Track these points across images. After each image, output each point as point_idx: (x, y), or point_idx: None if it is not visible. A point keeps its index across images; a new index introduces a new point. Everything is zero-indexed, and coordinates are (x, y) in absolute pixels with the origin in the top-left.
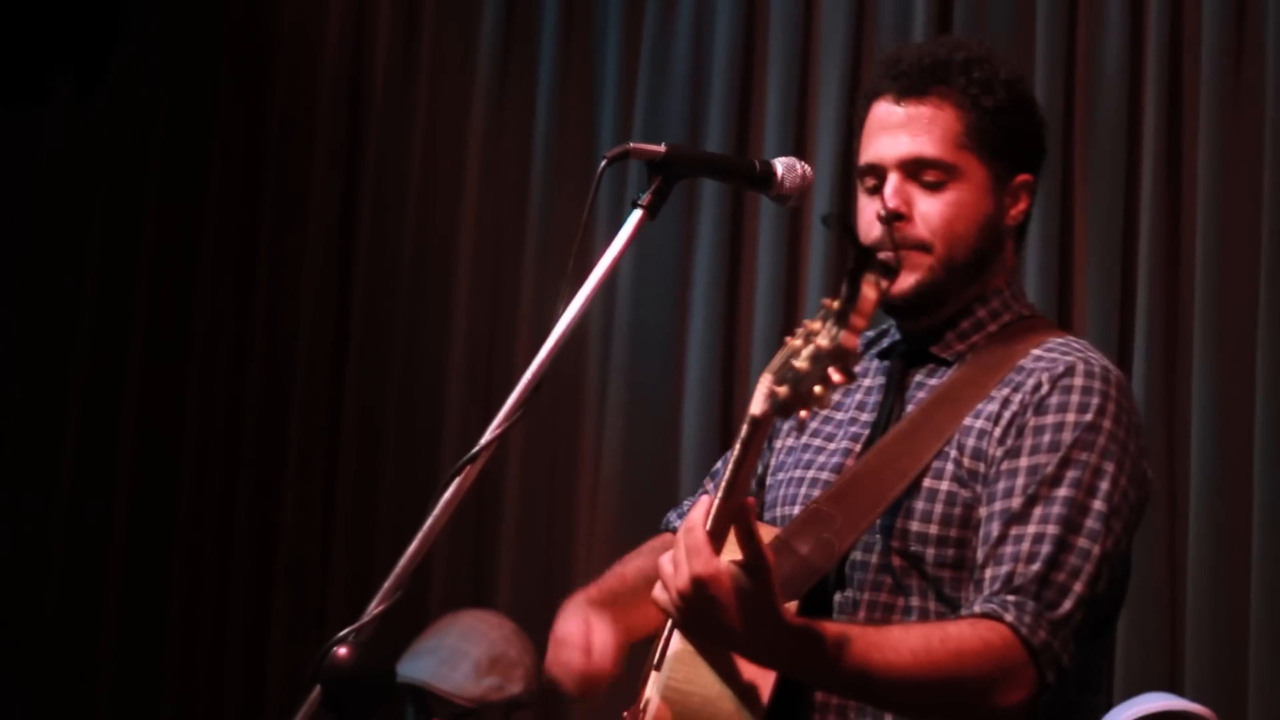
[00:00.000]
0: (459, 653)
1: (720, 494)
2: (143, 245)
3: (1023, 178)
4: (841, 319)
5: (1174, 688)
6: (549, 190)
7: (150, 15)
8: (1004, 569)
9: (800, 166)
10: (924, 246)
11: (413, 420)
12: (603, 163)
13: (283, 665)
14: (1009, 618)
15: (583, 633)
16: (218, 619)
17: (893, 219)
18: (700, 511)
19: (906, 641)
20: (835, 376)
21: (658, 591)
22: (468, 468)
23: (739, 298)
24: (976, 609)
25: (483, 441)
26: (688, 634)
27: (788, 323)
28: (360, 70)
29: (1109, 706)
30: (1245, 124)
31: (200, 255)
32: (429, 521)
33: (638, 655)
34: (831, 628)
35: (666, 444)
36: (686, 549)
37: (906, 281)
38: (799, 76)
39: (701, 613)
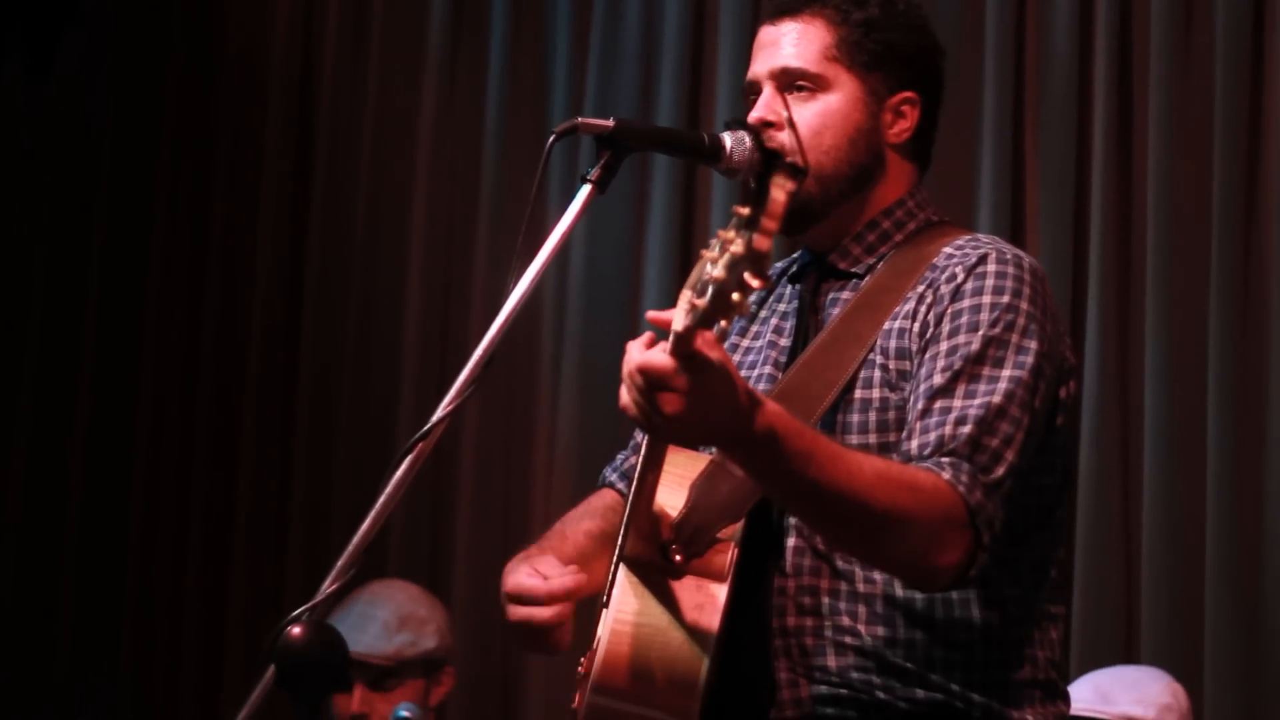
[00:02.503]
0: (366, 616)
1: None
2: (93, 231)
3: (905, 94)
4: (752, 223)
5: (1130, 654)
6: (501, 166)
7: (100, 7)
8: (933, 435)
9: (749, 139)
10: (790, 154)
11: (368, 397)
12: (551, 138)
13: (240, 644)
14: (946, 475)
15: (534, 574)
16: (174, 599)
17: (763, 126)
18: (643, 341)
19: (871, 462)
20: (753, 281)
21: (631, 409)
22: (420, 444)
23: (691, 271)
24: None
25: (435, 418)
26: (685, 445)
27: None
28: (311, 48)
29: (1068, 605)
30: (1195, 88)
31: (153, 237)
32: (382, 499)
33: (590, 608)
34: (801, 424)
35: (621, 417)
36: (658, 373)
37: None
38: (749, 50)
39: (693, 422)
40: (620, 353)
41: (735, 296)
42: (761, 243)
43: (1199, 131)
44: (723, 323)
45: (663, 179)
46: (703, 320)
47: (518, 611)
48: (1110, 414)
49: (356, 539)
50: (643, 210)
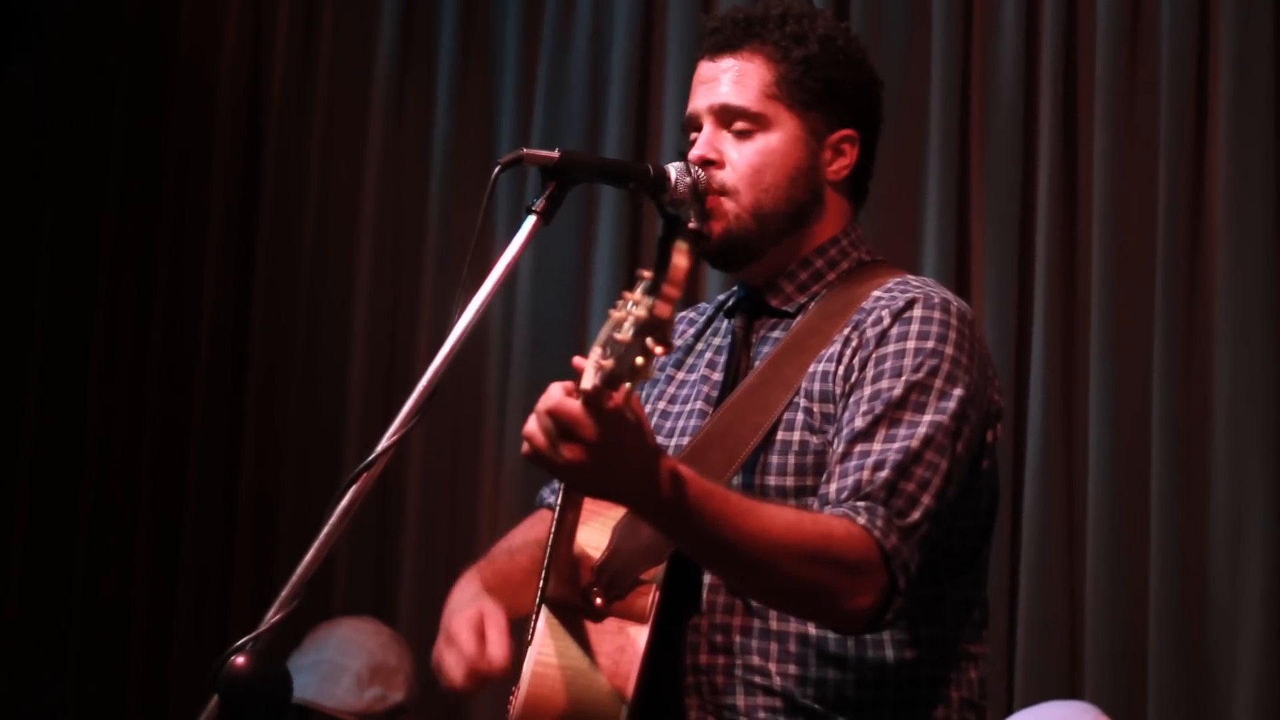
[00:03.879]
0: (339, 667)
1: None
2: (40, 247)
3: (844, 132)
4: (654, 289)
5: (1074, 689)
6: (448, 195)
7: (47, 20)
8: (850, 479)
9: (694, 170)
10: (730, 192)
11: (314, 425)
12: (496, 169)
13: (184, 674)
14: (861, 520)
15: (474, 636)
16: (119, 627)
17: (703, 165)
18: (560, 387)
19: (783, 514)
20: (655, 349)
21: (531, 454)
22: (365, 474)
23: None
24: (828, 513)
25: (379, 448)
26: (583, 494)
27: None
28: (258, 74)
29: (986, 644)
30: (1140, 123)
31: (99, 260)
32: (326, 529)
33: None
34: (715, 485)
35: None
36: (567, 418)
37: (714, 229)
38: None
39: (594, 475)
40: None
41: (639, 361)
42: (663, 310)
43: (1144, 163)
44: (626, 385)
45: (609, 210)
46: (609, 382)
47: (446, 657)
48: (1055, 445)
49: (300, 569)
50: (589, 241)
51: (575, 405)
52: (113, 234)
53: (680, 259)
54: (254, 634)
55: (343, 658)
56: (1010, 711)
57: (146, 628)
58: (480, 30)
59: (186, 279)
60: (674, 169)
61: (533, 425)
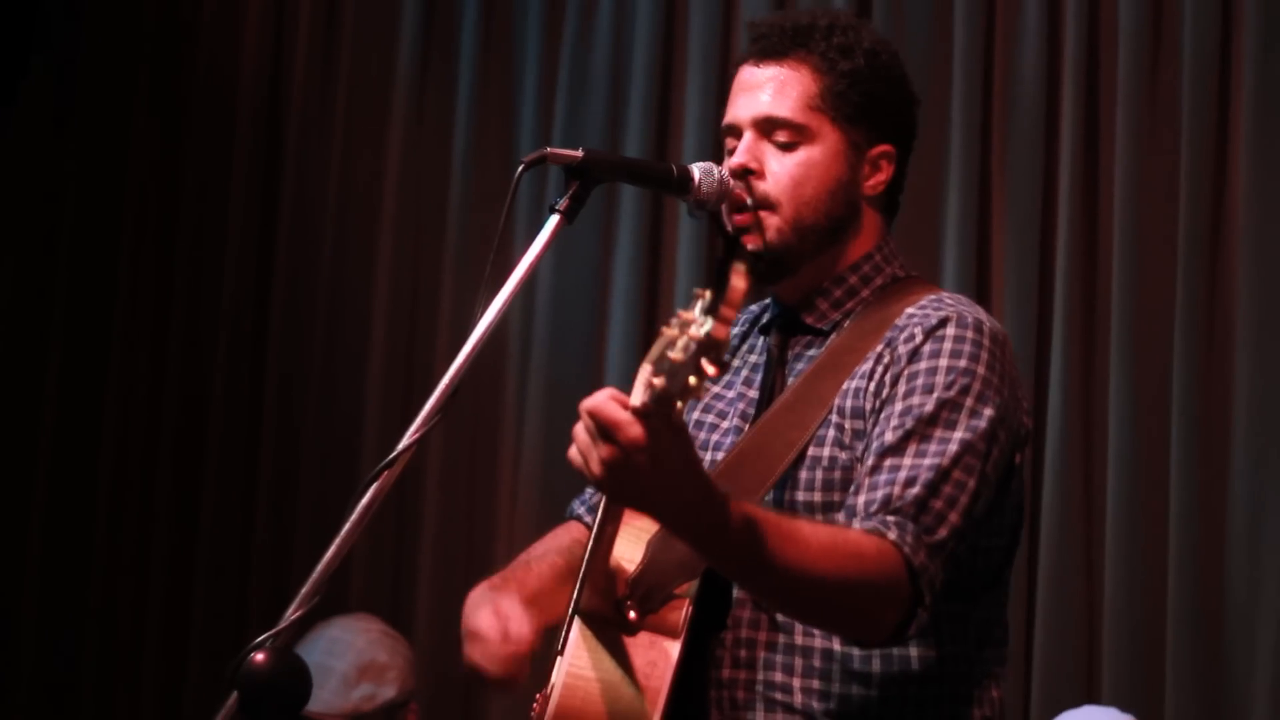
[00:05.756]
0: (324, 669)
1: None
2: (59, 257)
3: (883, 147)
4: (712, 309)
5: (1091, 692)
6: (468, 195)
7: (69, 20)
8: (880, 493)
9: (718, 172)
10: (771, 205)
11: (332, 424)
12: (520, 168)
13: (201, 670)
14: (892, 536)
15: (495, 620)
16: (136, 624)
17: (744, 174)
18: (607, 392)
19: (817, 535)
20: (709, 369)
21: (574, 456)
22: (385, 473)
23: (658, 302)
24: (857, 526)
25: (400, 446)
26: (617, 501)
27: None
28: (279, 74)
29: (1005, 662)
30: (1161, 122)
31: (119, 258)
32: (346, 526)
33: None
34: (752, 507)
35: None
36: (607, 420)
37: (754, 242)
38: (718, 81)
39: (630, 480)
40: (586, 381)
41: (692, 381)
42: (720, 331)
43: (1165, 167)
44: (679, 405)
45: (630, 210)
46: (660, 400)
47: (473, 654)
48: (1074, 453)
49: (320, 567)
50: (609, 241)
51: (618, 408)
52: (133, 232)
53: (739, 280)
54: (274, 630)
55: (328, 659)
56: (1028, 714)
57: (164, 625)
58: (501, 29)
59: (206, 277)
60: (698, 170)
61: (578, 427)
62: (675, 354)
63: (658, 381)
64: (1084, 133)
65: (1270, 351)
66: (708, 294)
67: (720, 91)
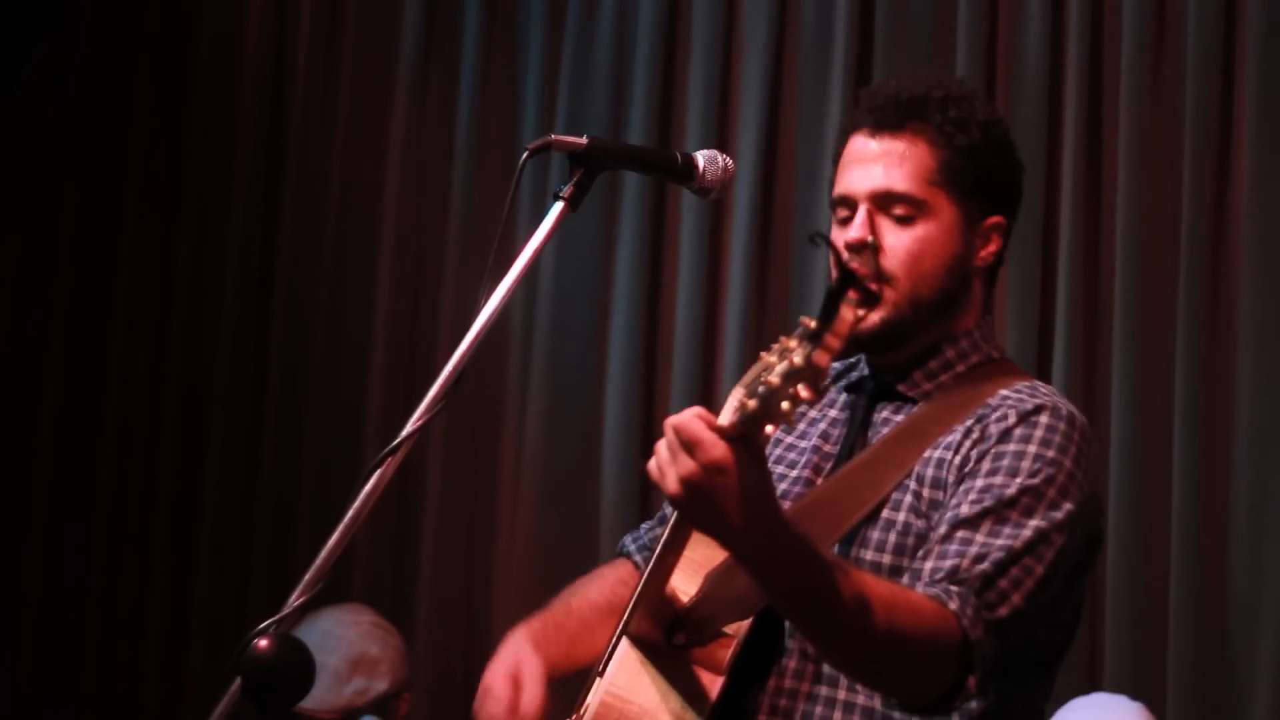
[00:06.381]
0: (317, 664)
1: None
2: (61, 239)
3: (994, 219)
4: (816, 338)
5: (1094, 680)
6: (471, 182)
7: (72, 9)
8: (949, 563)
9: (722, 159)
10: (889, 279)
11: (335, 411)
12: (524, 155)
13: (204, 657)
14: (953, 606)
15: (509, 687)
16: (137, 612)
17: (864, 247)
18: (694, 410)
19: (879, 588)
20: (804, 393)
21: (652, 469)
22: (388, 460)
23: (660, 291)
24: (920, 590)
25: (403, 434)
26: (689, 520)
27: (709, 316)
28: (282, 63)
29: None
30: (1164, 119)
31: (122, 246)
32: (349, 514)
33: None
34: (819, 547)
35: (588, 436)
36: (689, 437)
37: (872, 317)
38: (721, 69)
39: (705, 500)
40: (588, 369)
41: (785, 406)
42: (822, 359)
43: (1168, 160)
44: (769, 428)
45: (632, 198)
46: (749, 422)
47: (480, 710)
48: None
49: (324, 554)
50: (612, 229)
51: (703, 426)
52: (134, 227)
53: (848, 312)
54: (277, 617)
55: (321, 654)
56: None
57: (166, 612)
58: (504, 18)
59: (209, 269)
60: (702, 157)
61: (661, 442)
62: (772, 377)
63: (750, 404)
64: (1086, 130)
65: (1273, 347)
66: (813, 323)
67: (724, 78)
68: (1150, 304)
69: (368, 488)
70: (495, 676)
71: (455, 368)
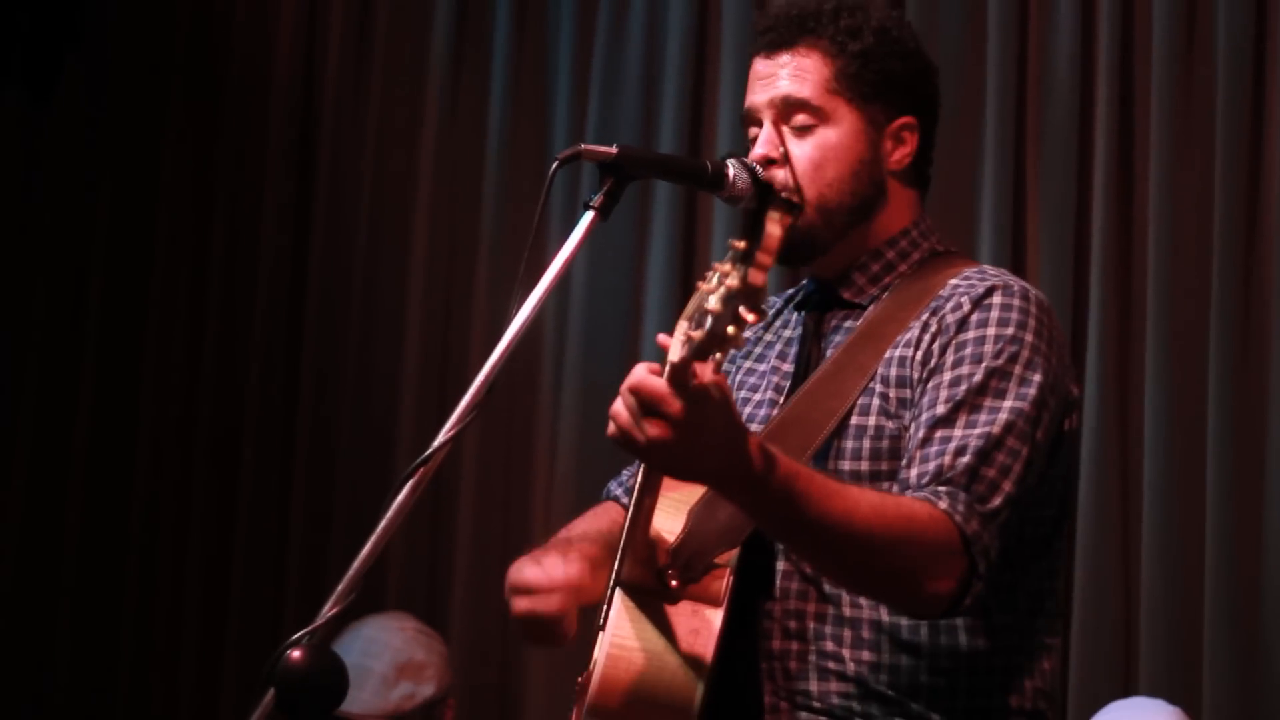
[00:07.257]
0: (363, 670)
1: None
2: (93, 256)
3: (903, 120)
4: (748, 257)
5: (1129, 683)
6: (502, 191)
7: (102, 21)
8: (931, 465)
9: (745, 174)
10: (794, 189)
11: (367, 421)
12: (554, 164)
13: (238, 667)
14: (943, 505)
15: (540, 570)
16: (172, 622)
17: (766, 164)
18: (644, 366)
19: (865, 495)
20: (748, 315)
21: (614, 433)
22: (421, 469)
23: (689, 302)
24: (909, 496)
25: (436, 443)
26: (668, 475)
27: None
28: (313, 72)
29: (1058, 634)
30: (1196, 121)
31: (154, 260)
32: (383, 524)
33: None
34: (798, 464)
35: None
36: (650, 395)
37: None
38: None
39: (679, 454)
40: (621, 378)
41: (730, 330)
42: (756, 277)
43: (1200, 160)
44: (718, 355)
45: (664, 206)
46: (698, 353)
47: (521, 604)
48: (1110, 439)
49: (357, 563)
50: (644, 237)
51: (659, 381)
52: (167, 232)
53: (774, 227)
54: (310, 627)
55: (366, 660)
56: (1065, 705)
57: (200, 623)
58: (535, 25)
59: (241, 275)
60: (732, 165)
61: (618, 404)
62: (712, 305)
63: (696, 335)
64: (1118, 132)
65: None
66: (742, 243)
67: None
68: (1183, 306)
69: (400, 498)
70: (522, 573)
71: (487, 377)
